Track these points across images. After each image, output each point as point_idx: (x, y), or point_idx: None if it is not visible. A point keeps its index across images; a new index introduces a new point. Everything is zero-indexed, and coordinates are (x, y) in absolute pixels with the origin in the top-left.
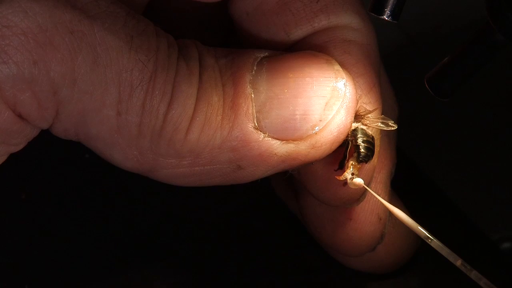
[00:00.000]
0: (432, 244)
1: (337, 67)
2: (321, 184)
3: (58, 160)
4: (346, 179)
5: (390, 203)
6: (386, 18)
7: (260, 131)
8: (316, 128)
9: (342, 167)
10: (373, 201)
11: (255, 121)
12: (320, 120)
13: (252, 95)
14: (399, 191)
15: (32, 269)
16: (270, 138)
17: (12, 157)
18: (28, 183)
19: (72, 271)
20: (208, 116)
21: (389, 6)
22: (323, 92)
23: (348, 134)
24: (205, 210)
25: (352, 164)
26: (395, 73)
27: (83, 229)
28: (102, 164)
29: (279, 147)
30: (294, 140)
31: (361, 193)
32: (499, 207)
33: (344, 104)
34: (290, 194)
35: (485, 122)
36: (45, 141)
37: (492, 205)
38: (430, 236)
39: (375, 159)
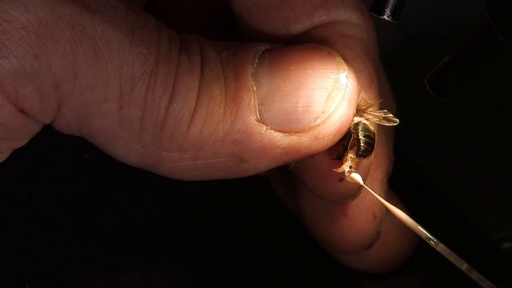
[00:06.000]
0: (437, 248)
1: (339, 59)
2: (317, 178)
3: (58, 160)
4: (343, 172)
5: (388, 202)
6: (387, 18)
7: (263, 123)
8: (319, 120)
9: (340, 159)
10: (369, 198)
11: (257, 114)
12: (323, 112)
13: (254, 88)
14: (399, 191)
15: (32, 269)
16: (272, 131)
17: (13, 156)
18: (29, 182)
19: (72, 270)
20: (210, 109)
21: (389, 6)
22: (325, 84)
23: (350, 126)
24: (205, 210)
25: (350, 157)
26: (395, 73)
27: (83, 228)
28: (102, 164)
29: (281, 139)
30: (296, 132)
31: (357, 189)
32: (499, 207)
33: (347, 96)
34: (289, 194)
35: (485, 122)
36: (46, 141)
37: (492, 205)
38: (430, 236)
39: (372, 156)
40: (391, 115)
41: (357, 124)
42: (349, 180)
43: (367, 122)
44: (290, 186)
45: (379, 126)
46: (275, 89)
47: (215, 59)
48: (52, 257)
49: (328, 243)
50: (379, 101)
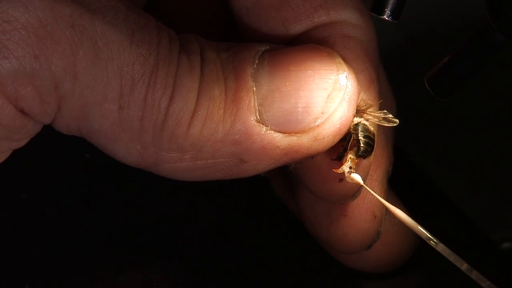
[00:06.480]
0: (437, 248)
1: (339, 60)
2: (317, 178)
3: (58, 160)
4: (343, 172)
5: (388, 202)
6: (386, 18)
7: (263, 124)
8: (318, 120)
9: (340, 159)
10: (368, 198)
11: (257, 114)
12: (322, 113)
13: (254, 89)
14: (399, 191)
15: (32, 269)
16: (272, 131)
17: (13, 156)
18: (29, 182)
19: (72, 271)
20: (210, 109)
21: (389, 6)
22: (325, 84)
23: (350, 127)
24: (205, 210)
25: (350, 158)
26: (395, 73)
27: (83, 229)
28: (102, 164)
29: (281, 140)
30: (296, 132)
31: (356, 189)
32: (499, 207)
33: (346, 97)
34: (289, 194)
35: (485, 122)
36: (46, 141)
37: (492, 205)
38: (430, 236)
39: (371, 156)
40: (390, 115)
41: (357, 124)
42: (349, 180)
43: (366, 123)
44: (290, 187)
45: (379, 127)
46: (275, 89)
47: (215, 59)
48: (52, 257)
49: (328, 243)
50: (379, 102)
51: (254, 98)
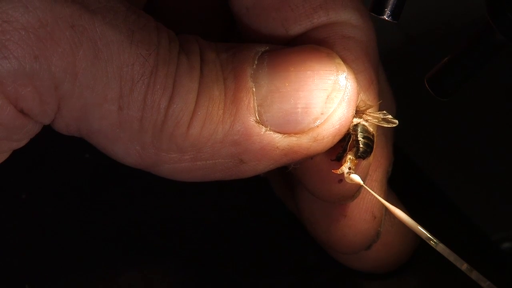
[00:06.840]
0: (437, 248)
1: (338, 60)
2: (316, 179)
3: (58, 160)
4: (342, 173)
5: (388, 202)
6: (386, 18)
7: (262, 124)
8: (318, 121)
9: (339, 160)
10: (368, 199)
11: (256, 115)
12: (322, 113)
13: (254, 89)
14: (399, 191)
15: (32, 269)
16: (272, 132)
17: (13, 156)
18: (29, 183)
19: (72, 271)
20: (210, 110)
21: (389, 6)
22: (325, 85)
23: (350, 128)
24: (205, 210)
25: (349, 159)
26: (395, 73)
27: (83, 229)
28: (102, 164)
29: (281, 141)
30: (296, 133)
31: (356, 190)
32: (499, 207)
33: (346, 97)
34: (289, 195)
35: (485, 122)
36: (46, 141)
37: (492, 205)
38: (430, 236)
39: (371, 157)
40: (390, 116)
41: (356, 125)
42: (348, 181)
43: (366, 124)
44: (289, 187)
45: (379, 127)
46: (275, 90)
47: (215, 60)
48: (52, 257)
49: (328, 243)
50: (379, 102)
51: (254, 99)
